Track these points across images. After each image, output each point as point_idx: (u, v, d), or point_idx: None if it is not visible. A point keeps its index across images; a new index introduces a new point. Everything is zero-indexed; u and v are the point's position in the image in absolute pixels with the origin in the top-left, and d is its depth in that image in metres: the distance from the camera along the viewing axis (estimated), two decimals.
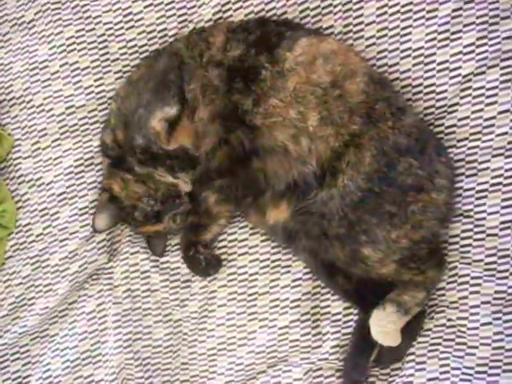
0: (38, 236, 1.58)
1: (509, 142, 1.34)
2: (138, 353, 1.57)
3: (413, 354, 1.41)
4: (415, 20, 1.39)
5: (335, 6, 1.43)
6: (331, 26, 1.45)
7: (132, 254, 1.57)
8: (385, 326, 1.33)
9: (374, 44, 1.42)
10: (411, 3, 1.38)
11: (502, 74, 1.34)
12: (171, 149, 1.39)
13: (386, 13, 1.40)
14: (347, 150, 1.27)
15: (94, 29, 1.55)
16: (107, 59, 1.56)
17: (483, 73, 1.35)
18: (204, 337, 1.55)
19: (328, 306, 1.48)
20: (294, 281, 1.50)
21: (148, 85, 1.42)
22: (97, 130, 1.56)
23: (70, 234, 1.57)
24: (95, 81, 1.56)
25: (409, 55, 1.40)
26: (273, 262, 1.51)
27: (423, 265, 1.32)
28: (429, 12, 1.38)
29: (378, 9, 1.41)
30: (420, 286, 1.34)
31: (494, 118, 1.34)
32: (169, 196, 1.42)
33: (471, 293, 1.36)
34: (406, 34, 1.39)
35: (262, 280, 1.51)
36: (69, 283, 1.57)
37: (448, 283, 1.39)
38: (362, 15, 1.42)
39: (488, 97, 1.35)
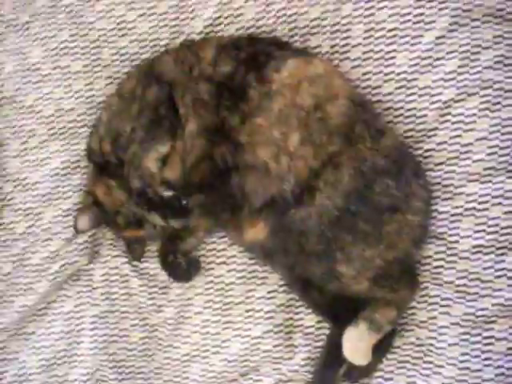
0: (20, 235, 1.61)
1: (484, 169, 1.37)
2: (113, 355, 1.59)
3: (381, 370, 1.44)
4: (400, 45, 1.42)
5: (323, 27, 1.46)
6: (319, 46, 1.48)
7: (113, 257, 1.60)
8: (357, 343, 1.35)
9: (359, 66, 1.45)
10: (397, 28, 1.42)
11: (481, 102, 1.38)
12: (165, 195, 1.41)
13: (372, 36, 1.44)
14: (325, 169, 1.29)
15: (87, 34, 1.59)
16: (99, 64, 1.59)
17: (463, 100, 1.39)
18: (179, 343, 1.57)
19: (301, 319, 1.51)
20: (270, 292, 1.53)
21: (141, 120, 1.42)
22: (85, 134, 1.59)
23: (53, 235, 1.59)
24: (86, 85, 1.59)
25: (392, 79, 1.43)
26: (249, 272, 1.54)
27: (396, 284, 1.34)
28: (413, 38, 1.41)
29: (364, 32, 1.44)
30: (392, 304, 1.36)
31: (471, 144, 1.38)
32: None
33: (441, 313, 1.39)
34: (390, 58, 1.43)
35: (238, 290, 1.54)
36: (49, 283, 1.59)
37: (419, 303, 1.41)
38: (349, 37, 1.45)
39: (466, 123, 1.38)
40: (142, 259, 1.59)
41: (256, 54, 1.41)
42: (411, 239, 1.33)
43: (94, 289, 1.60)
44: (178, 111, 1.42)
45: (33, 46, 1.60)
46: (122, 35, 1.57)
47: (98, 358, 1.58)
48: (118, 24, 1.57)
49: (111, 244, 1.61)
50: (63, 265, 1.59)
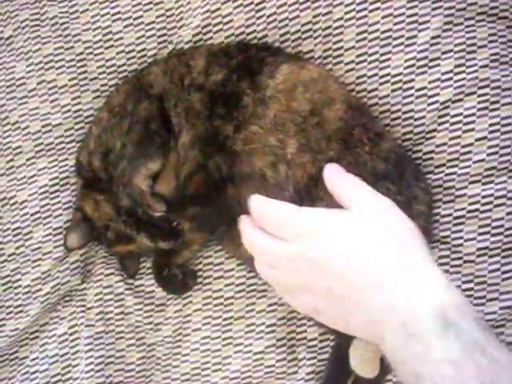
0: (9, 256, 1.55)
1: (486, 169, 1.34)
2: (110, 377, 1.54)
3: (389, 380, 1.40)
4: (394, 46, 1.39)
5: (315, 31, 1.43)
6: (311, 51, 1.45)
7: (106, 275, 1.54)
8: (365, 354, 1.30)
9: (353, 69, 1.42)
10: (391, 30, 1.39)
11: (479, 102, 1.35)
12: (156, 215, 1.36)
13: (365, 38, 1.40)
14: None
15: (72, 47, 1.54)
16: (85, 78, 1.54)
17: (461, 100, 1.36)
18: (178, 361, 1.52)
19: (304, 332, 1.46)
20: (270, 305, 1.48)
21: (131, 136, 1.38)
22: (73, 150, 1.54)
23: (44, 255, 1.54)
24: (72, 99, 1.55)
25: (388, 81, 1.40)
26: (248, 286, 1.49)
27: None
28: (408, 39, 1.38)
29: (357, 34, 1.40)
30: None
31: (471, 144, 1.35)
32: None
33: None
34: (385, 60, 1.40)
35: (238, 304, 1.49)
36: (40, 304, 1.54)
37: None
38: (341, 40, 1.42)
39: (465, 124, 1.35)
40: (137, 276, 1.54)
41: (248, 60, 1.38)
42: None
43: (88, 309, 1.55)
44: (169, 125, 1.38)
45: (17, 60, 1.55)
46: (109, 47, 1.53)
47: (95, 381, 1.52)
48: (104, 36, 1.52)
49: (104, 262, 1.55)
50: (55, 285, 1.54)
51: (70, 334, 1.55)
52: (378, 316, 1.01)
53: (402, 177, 1.28)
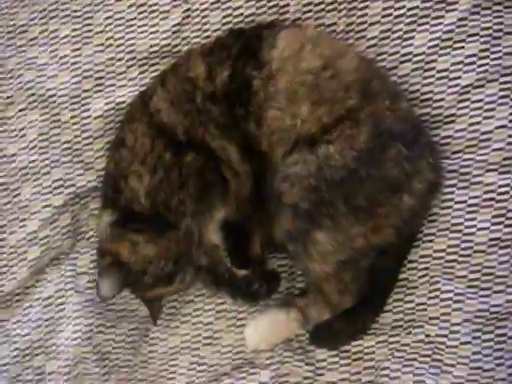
0: None
1: (504, 158, 1.31)
2: (98, 346, 1.48)
3: (387, 368, 1.36)
4: (420, 25, 1.35)
5: (340, 3, 1.38)
6: (334, 24, 1.40)
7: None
8: (277, 326, 1.34)
9: (375, 45, 1.38)
10: (417, 7, 1.35)
11: (500, 89, 1.32)
12: (240, 275, 1.31)
13: (390, 14, 1.36)
14: (342, 124, 1.21)
15: None
16: (90, 30, 1.47)
17: (482, 86, 1.33)
18: (166, 334, 1.48)
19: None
20: None
21: (188, 190, 1.30)
22: (65, 104, 1.48)
23: (31, 214, 1.47)
24: (72, 51, 1.48)
25: (409, 60, 1.36)
26: None
27: (353, 284, 1.28)
28: (434, 19, 1.34)
29: (383, 9, 1.36)
30: (331, 308, 1.30)
31: (490, 132, 1.31)
32: (181, 254, 1.32)
33: (454, 310, 1.32)
34: (408, 38, 1.36)
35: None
36: (28, 269, 1.47)
37: (430, 298, 1.34)
38: (366, 15, 1.38)
39: (486, 110, 1.32)
40: None
41: (246, 42, 1.31)
42: (396, 226, 1.23)
43: (78, 274, 1.48)
44: (218, 164, 1.31)
45: (20, 6, 1.48)
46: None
47: (80, 350, 1.46)
48: None
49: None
50: (45, 250, 1.47)
51: (56, 299, 1.48)
52: None
53: (416, 142, 1.23)
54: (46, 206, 1.47)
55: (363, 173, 1.19)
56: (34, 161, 1.47)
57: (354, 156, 1.19)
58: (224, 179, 1.31)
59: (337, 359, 1.40)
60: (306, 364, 1.41)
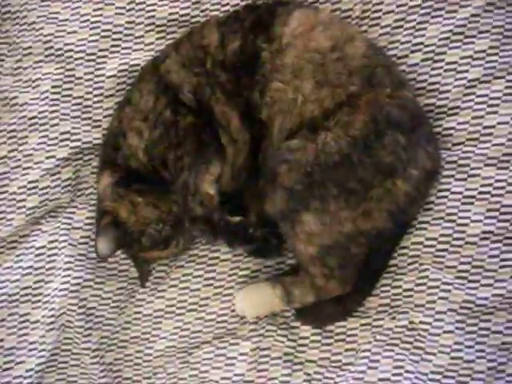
0: (1, 158, 1.51)
1: (503, 154, 1.32)
2: (84, 301, 1.48)
3: (368, 350, 1.36)
4: (433, 17, 1.38)
5: None
6: (349, 10, 1.44)
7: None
8: (263, 299, 1.37)
9: (387, 33, 1.41)
10: None
11: (506, 87, 1.34)
12: (235, 220, 1.33)
13: (406, 4, 1.40)
14: (341, 109, 1.24)
15: None
16: None
17: (489, 81, 1.35)
18: (153, 297, 1.48)
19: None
20: None
21: (185, 148, 1.33)
22: (81, 61, 1.51)
23: (34, 164, 1.50)
24: (94, 10, 1.52)
25: (419, 50, 1.39)
26: None
27: (338, 270, 1.28)
28: (448, 12, 1.38)
29: None
30: (316, 291, 1.31)
31: (493, 127, 1.33)
32: (180, 220, 1.35)
33: (440, 298, 1.32)
34: (421, 29, 1.39)
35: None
36: (26, 217, 1.49)
37: (417, 285, 1.34)
38: (382, 3, 1.41)
39: (490, 105, 1.34)
40: None
41: (260, 17, 1.35)
42: (390, 211, 1.24)
43: (73, 228, 1.49)
44: (215, 123, 1.35)
45: None
46: None
47: (67, 302, 1.46)
48: None
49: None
50: (43, 200, 1.49)
51: (49, 249, 1.49)
52: None
53: (414, 132, 1.25)
54: (50, 157, 1.50)
55: (356, 158, 1.21)
56: (43, 111, 1.51)
57: (349, 142, 1.22)
58: (221, 145, 1.34)
59: (319, 338, 1.40)
60: (289, 340, 1.41)
